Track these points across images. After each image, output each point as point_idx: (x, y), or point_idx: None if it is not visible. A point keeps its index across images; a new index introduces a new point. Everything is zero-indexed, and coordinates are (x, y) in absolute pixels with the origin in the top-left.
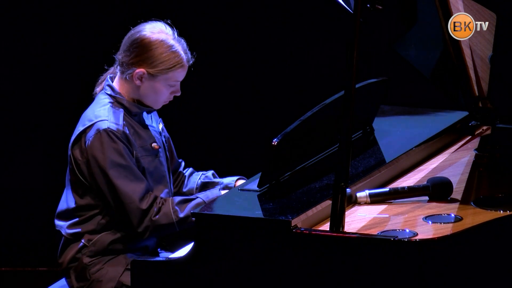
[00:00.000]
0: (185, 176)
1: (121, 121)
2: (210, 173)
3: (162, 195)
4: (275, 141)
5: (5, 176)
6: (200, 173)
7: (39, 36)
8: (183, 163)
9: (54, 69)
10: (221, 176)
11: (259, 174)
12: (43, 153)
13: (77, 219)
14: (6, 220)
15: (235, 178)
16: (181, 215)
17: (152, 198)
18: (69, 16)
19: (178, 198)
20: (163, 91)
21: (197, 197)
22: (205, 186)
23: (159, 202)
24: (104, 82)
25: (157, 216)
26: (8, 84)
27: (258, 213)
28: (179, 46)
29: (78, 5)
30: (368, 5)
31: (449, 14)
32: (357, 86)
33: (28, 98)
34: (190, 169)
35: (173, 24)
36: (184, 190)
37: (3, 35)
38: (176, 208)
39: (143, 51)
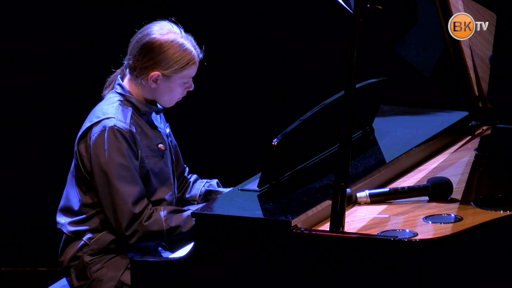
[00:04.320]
0: (190, 182)
1: (128, 120)
2: (214, 181)
3: (166, 197)
4: (275, 141)
5: (5, 176)
6: (205, 180)
7: (41, 35)
8: (187, 169)
9: (56, 68)
10: (225, 186)
11: (259, 174)
12: (43, 152)
13: (79, 216)
14: (6, 220)
15: None
16: (172, 224)
17: (144, 204)
18: (74, 15)
19: (169, 208)
20: (178, 89)
21: (189, 209)
22: (208, 194)
23: (150, 209)
24: (114, 82)
25: (148, 222)
26: (8, 84)
27: (258, 213)
28: (189, 43)
29: (84, 4)
30: (368, 5)
31: (449, 14)
32: (357, 86)
33: (28, 97)
34: (195, 176)
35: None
36: (187, 196)
37: (8, 35)
38: (168, 216)
39: (156, 54)
